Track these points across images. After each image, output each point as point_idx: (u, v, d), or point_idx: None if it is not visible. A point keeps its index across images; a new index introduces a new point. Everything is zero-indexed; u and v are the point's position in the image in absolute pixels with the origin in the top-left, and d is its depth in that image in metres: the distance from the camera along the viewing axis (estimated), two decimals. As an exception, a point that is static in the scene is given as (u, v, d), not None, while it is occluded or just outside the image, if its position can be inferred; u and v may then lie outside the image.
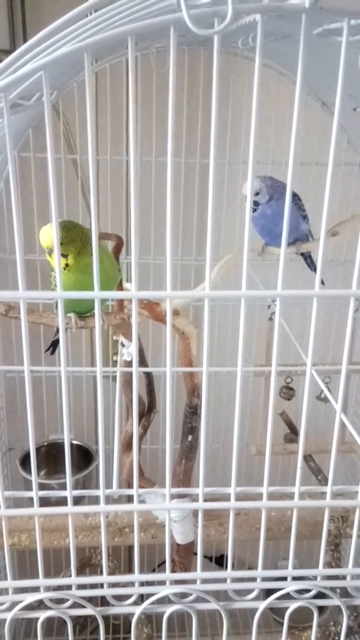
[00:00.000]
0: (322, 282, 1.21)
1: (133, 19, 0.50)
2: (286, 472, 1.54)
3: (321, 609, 0.71)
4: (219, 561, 1.73)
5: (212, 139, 0.49)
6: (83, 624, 1.69)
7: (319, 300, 0.56)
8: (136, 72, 1.35)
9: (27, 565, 1.42)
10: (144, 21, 0.46)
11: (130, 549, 1.63)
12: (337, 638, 1.10)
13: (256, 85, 0.47)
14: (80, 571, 1.34)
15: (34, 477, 0.60)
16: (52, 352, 1.07)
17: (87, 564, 1.35)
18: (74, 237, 0.81)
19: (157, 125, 1.36)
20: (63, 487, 0.61)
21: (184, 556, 1.06)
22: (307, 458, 1.39)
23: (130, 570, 1.42)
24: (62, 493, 0.64)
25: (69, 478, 0.60)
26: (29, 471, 1.40)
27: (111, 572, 1.28)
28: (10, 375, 1.51)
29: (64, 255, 0.81)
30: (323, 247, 0.55)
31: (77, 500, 1.26)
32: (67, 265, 0.81)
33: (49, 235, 0.79)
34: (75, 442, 1.53)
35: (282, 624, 0.71)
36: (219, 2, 0.45)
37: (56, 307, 0.89)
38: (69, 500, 0.62)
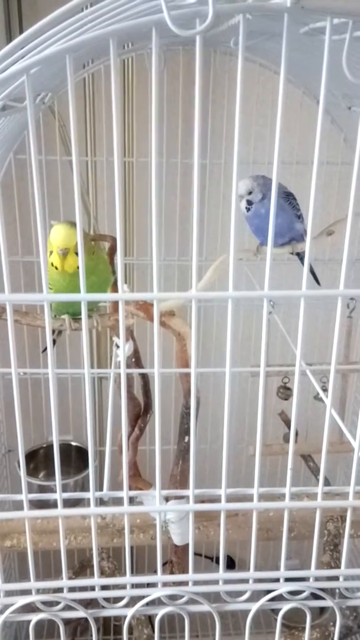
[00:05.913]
0: (318, 282, 1.22)
1: (123, 18, 0.50)
2: (285, 472, 1.54)
3: (322, 609, 0.71)
4: (220, 561, 1.73)
5: (196, 139, 0.49)
6: (85, 625, 1.69)
7: (313, 300, 0.56)
8: (131, 73, 1.35)
9: (28, 566, 1.42)
10: (126, 22, 0.45)
11: (131, 549, 1.63)
12: (336, 638, 1.10)
13: (239, 84, 0.47)
14: (81, 572, 1.34)
15: (23, 480, 0.60)
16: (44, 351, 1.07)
17: (87, 565, 1.34)
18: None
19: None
20: (62, 488, 0.61)
21: (181, 557, 1.06)
22: (307, 458, 1.38)
23: (132, 571, 1.43)
24: (54, 496, 0.63)
25: (58, 481, 0.60)
26: (28, 473, 1.40)
27: (111, 574, 1.28)
28: (9, 377, 1.51)
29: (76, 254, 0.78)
30: (312, 247, 0.55)
31: (77, 502, 1.25)
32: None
33: (64, 234, 0.75)
34: (74, 443, 1.53)
35: (283, 624, 0.71)
36: (202, 3, 0.45)
37: (51, 309, 0.89)
38: (59, 503, 0.62)
